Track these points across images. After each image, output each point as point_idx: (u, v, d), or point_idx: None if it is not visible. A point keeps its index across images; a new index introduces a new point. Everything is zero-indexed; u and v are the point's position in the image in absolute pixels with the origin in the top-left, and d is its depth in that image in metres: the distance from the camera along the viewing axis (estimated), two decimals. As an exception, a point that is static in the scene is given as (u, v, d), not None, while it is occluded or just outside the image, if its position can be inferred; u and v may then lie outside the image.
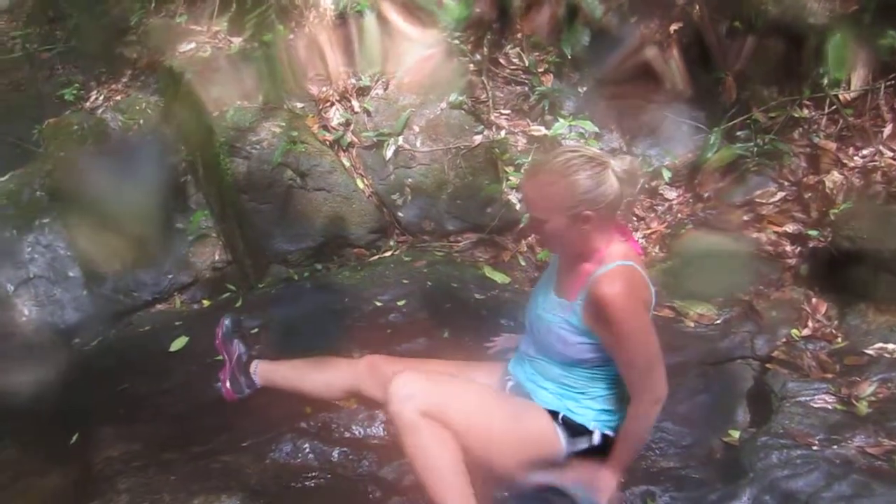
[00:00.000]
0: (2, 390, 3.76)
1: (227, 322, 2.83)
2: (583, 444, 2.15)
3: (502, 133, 3.82)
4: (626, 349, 1.97)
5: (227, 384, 2.74)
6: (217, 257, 4.19)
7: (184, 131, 4.00)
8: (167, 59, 4.03)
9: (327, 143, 3.78)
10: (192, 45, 3.92)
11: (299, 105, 3.80)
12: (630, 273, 1.96)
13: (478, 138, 3.80)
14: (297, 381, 2.67)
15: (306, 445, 2.70)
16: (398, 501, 2.37)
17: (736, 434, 2.58)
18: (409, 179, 3.74)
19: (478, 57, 3.93)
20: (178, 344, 3.25)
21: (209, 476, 2.53)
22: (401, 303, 3.31)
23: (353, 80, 3.86)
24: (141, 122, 4.34)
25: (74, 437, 2.96)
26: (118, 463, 2.68)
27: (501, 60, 3.96)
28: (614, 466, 2.09)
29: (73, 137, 4.38)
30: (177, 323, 3.47)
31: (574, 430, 2.13)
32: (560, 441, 2.13)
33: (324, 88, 3.86)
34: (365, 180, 3.78)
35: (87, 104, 4.55)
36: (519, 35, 3.93)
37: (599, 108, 3.84)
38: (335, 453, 2.70)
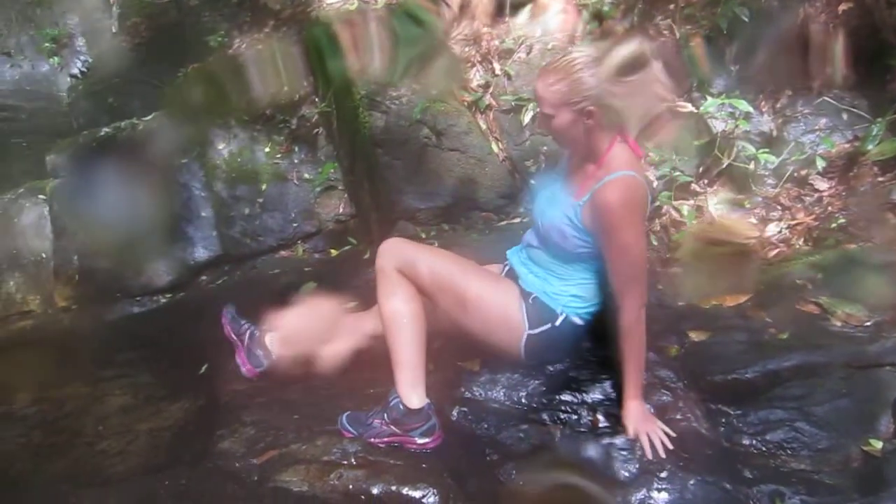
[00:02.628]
0: (137, 319, 3.96)
1: (230, 309, 2.90)
2: (544, 326, 2.31)
3: (644, 106, 3.66)
4: (617, 255, 2.09)
5: (247, 363, 2.75)
6: (342, 210, 4.25)
7: (322, 83, 4.04)
8: (313, 10, 4.07)
9: (465, 103, 3.73)
10: (340, -3, 3.95)
11: (439, 63, 3.76)
12: (634, 184, 2.04)
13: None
14: (311, 346, 2.68)
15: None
16: (511, 466, 2.35)
17: (878, 444, 2.39)
18: (545, 147, 3.65)
19: (626, 24, 3.78)
20: (308, 288, 3.31)
21: (332, 420, 2.55)
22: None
23: (497, 42, 3.79)
24: (280, 71, 4.41)
25: (203, 368, 3.08)
26: (243, 397, 2.76)
27: (651, 31, 3.78)
28: (632, 393, 2.26)
29: (215, 83, 4.50)
30: (306, 269, 3.54)
31: (541, 313, 2.30)
32: (522, 320, 2.31)
33: (466, 48, 3.81)
34: (500, 144, 3.72)
35: (231, 52, 4.66)
36: (672, 6, 3.74)
37: (752, 87, 3.62)
38: (455, 412, 2.67)
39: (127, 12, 5.40)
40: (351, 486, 2.21)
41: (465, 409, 2.66)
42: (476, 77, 3.77)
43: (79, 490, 2.45)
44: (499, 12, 3.86)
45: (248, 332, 2.78)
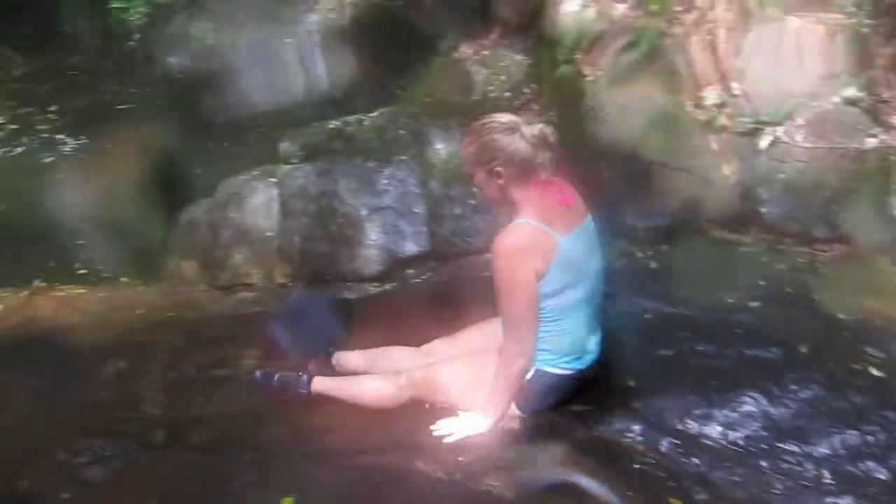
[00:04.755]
0: (350, 304, 4.15)
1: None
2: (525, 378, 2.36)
3: (901, 139, 3.35)
4: (500, 298, 2.24)
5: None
6: (550, 220, 4.23)
7: (548, 91, 4.04)
8: (546, 18, 4.08)
9: (698, 122, 3.58)
10: (576, 7, 3.92)
11: (675, 79, 3.64)
12: (522, 230, 2.21)
13: (871, 141, 3.37)
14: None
15: (636, 426, 2.62)
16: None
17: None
18: (781, 175, 3.42)
19: (889, 49, 3.46)
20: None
21: (540, 430, 2.53)
22: (753, 304, 3.07)
23: (738, 61, 3.61)
24: (503, 78, 4.48)
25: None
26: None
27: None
28: (483, 406, 2.34)
29: (441, 84, 4.66)
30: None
31: None
32: None
33: (703, 66, 3.66)
34: (731, 167, 3.53)
35: (456, 55, 4.79)
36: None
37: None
38: (664, 443, 2.57)
39: (360, 13, 5.71)
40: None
41: (676, 441, 2.56)
42: (712, 95, 3.61)
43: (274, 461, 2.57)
44: (743, 28, 3.66)
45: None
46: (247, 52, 6.05)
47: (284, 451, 2.57)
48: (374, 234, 4.37)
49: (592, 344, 2.48)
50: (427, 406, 2.56)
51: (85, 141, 5.30)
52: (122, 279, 4.48)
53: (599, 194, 3.60)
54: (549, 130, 2.24)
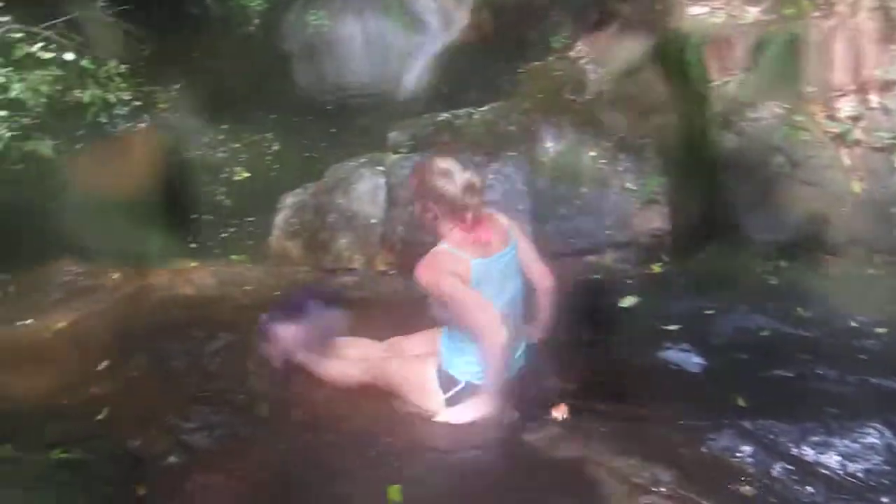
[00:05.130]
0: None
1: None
2: (456, 389, 2.56)
3: None
4: (447, 309, 2.49)
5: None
6: (659, 224, 4.11)
7: (671, 95, 3.92)
8: (672, 20, 3.97)
9: (830, 135, 3.40)
10: (705, 8, 3.79)
11: (808, 88, 3.47)
12: (436, 254, 2.47)
13: None
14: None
15: (746, 448, 2.51)
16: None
17: None
18: (923, 196, 3.23)
19: None
20: (628, 301, 3.24)
21: (643, 440, 2.46)
22: (881, 330, 2.90)
23: (879, 72, 3.41)
24: (618, 77, 4.38)
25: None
26: (554, 396, 2.75)
27: None
28: (481, 393, 2.49)
29: (554, 83, 4.60)
30: (627, 281, 3.47)
31: (448, 380, 2.56)
32: (436, 388, 2.59)
33: (840, 75, 3.48)
34: (863, 184, 3.35)
35: (572, 53, 4.72)
36: None
37: None
38: (777, 468, 2.45)
39: (478, 6, 5.71)
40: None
41: (790, 467, 2.44)
42: (846, 108, 3.42)
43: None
44: (887, 37, 3.46)
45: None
46: (360, 41, 6.17)
47: (384, 437, 2.60)
48: (475, 230, 4.37)
49: (516, 354, 2.64)
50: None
51: (202, 119, 5.53)
52: (232, 256, 4.62)
53: (720, 204, 3.51)
54: (478, 179, 2.51)
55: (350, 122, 5.48)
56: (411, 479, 2.30)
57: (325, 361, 2.94)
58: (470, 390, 2.55)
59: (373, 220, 4.60)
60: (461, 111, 4.73)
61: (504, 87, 4.99)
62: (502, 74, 5.10)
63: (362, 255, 4.58)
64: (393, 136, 4.75)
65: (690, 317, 3.05)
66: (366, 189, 4.69)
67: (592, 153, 4.36)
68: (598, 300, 3.31)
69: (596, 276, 3.77)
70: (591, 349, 3.04)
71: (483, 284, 2.45)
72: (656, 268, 3.80)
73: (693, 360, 2.86)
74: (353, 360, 2.92)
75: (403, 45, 6.10)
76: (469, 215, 2.45)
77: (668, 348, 2.83)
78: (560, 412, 2.60)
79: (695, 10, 3.80)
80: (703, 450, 2.49)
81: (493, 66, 5.32)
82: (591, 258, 4.26)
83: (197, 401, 3.03)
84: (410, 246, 4.42)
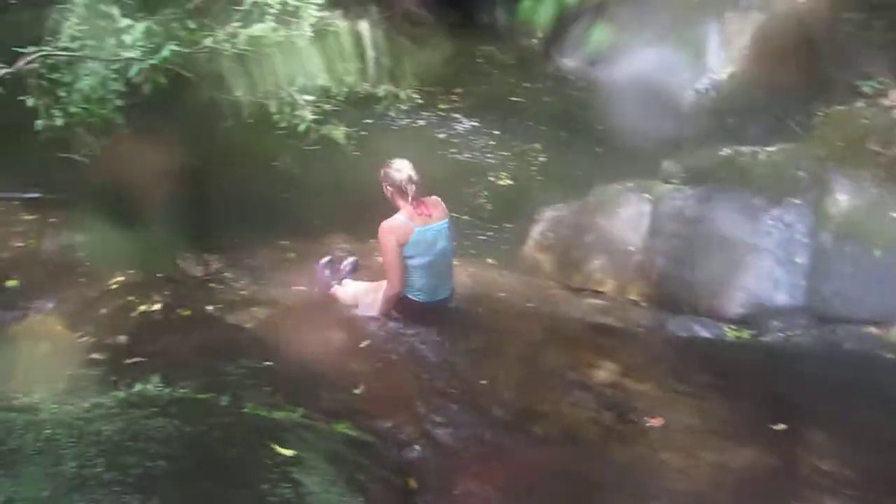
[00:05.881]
0: (705, 343, 3.96)
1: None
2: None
3: None
4: (382, 257, 3.61)
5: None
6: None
7: None
8: None
9: None
10: None
11: None
12: (391, 221, 3.49)
13: None
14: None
15: None
16: None
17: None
18: None
19: None
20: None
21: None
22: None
23: None
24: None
25: (779, 425, 2.90)
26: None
27: None
28: (374, 307, 3.74)
29: (858, 130, 4.20)
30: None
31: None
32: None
33: None
34: None
35: (885, 101, 4.28)
36: None
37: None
38: None
39: (769, 37, 5.38)
40: None
41: None
42: None
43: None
44: None
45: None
46: (640, 63, 6.06)
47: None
48: (745, 276, 4.11)
49: (442, 291, 3.68)
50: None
51: (476, 124, 5.76)
52: (487, 259, 4.76)
53: None
54: (415, 175, 3.50)
55: (620, 144, 5.40)
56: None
57: (339, 291, 4.02)
58: (403, 300, 3.64)
59: (631, 247, 4.50)
60: (745, 148, 4.48)
61: (795, 128, 4.65)
62: (794, 114, 4.77)
63: (614, 280, 4.50)
64: (667, 165, 4.62)
65: None
66: (629, 215, 4.61)
67: (894, 214, 3.92)
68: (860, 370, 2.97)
69: (878, 352, 3.38)
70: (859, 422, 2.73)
71: (419, 244, 3.51)
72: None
73: None
74: (353, 291, 3.99)
75: (685, 72, 5.90)
76: (410, 196, 3.50)
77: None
78: (657, 421, 2.96)
79: None
80: None
81: (781, 104, 4.99)
82: (874, 330, 3.84)
83: (444, 395, 3.15)
84: (669, 280, 4.28)
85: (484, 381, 3.23)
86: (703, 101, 5.61)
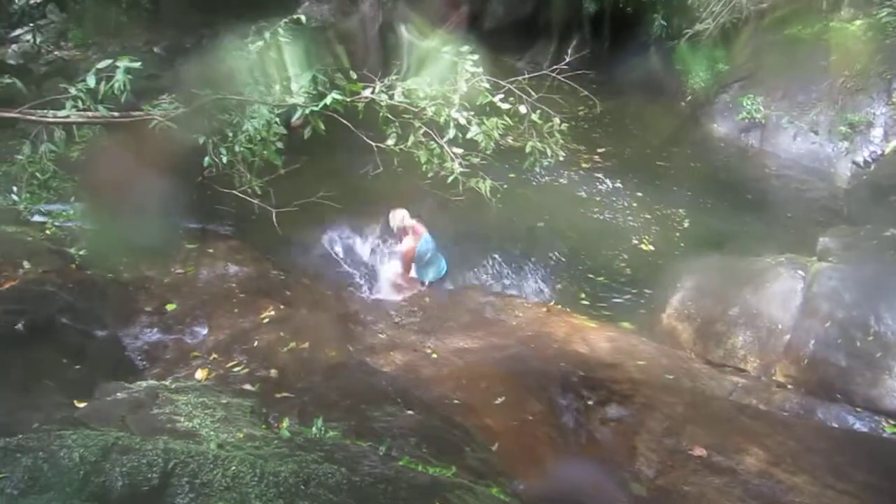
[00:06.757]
0: (863, 437, 3.70)
1: None
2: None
3: None
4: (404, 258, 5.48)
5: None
6: None
7: None
8: None
9: None
10: None
11: None
12: (408, 244, 5.20)
13: None
14: None
15: None
16: None
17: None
18: None
19: None
20: None
21: None
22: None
23: None
24: None
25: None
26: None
27: None
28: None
29: None
30: None
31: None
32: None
33: None
34: None
35: None
36: None
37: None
38: None
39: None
40: None
41: None
42: None
43: None
44: None
45: None
46: (795, 129, 5.84)
47: None
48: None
49: (439, 272, 5.33)
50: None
51: (619, 185, 5.70)
52: (623, 323, 4.67)
53: None
54: (407, 219, 5.15)
55: (770, 214, 5.20)
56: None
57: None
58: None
59: (779, 326, 4.28)
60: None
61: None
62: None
63: (758, 359, 4.28)
64: (824, 241, 4.38)
65: None
66: (779, 290, 4.39)
67: None
68: None
69: None
70: None
71: (422, 250, 5.11)
72: None
73: None
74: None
75: (843, 143, 5.63)
76: (406, 231, 5.15)
77: None
78: (699, 451, 3.08)
79: None
80: None
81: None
82: None
83: (580, 463, 3.09)
84: (821, 364, 4.02)
85: (621, 454, 3.15)
86: (862, 175, 5.31)
